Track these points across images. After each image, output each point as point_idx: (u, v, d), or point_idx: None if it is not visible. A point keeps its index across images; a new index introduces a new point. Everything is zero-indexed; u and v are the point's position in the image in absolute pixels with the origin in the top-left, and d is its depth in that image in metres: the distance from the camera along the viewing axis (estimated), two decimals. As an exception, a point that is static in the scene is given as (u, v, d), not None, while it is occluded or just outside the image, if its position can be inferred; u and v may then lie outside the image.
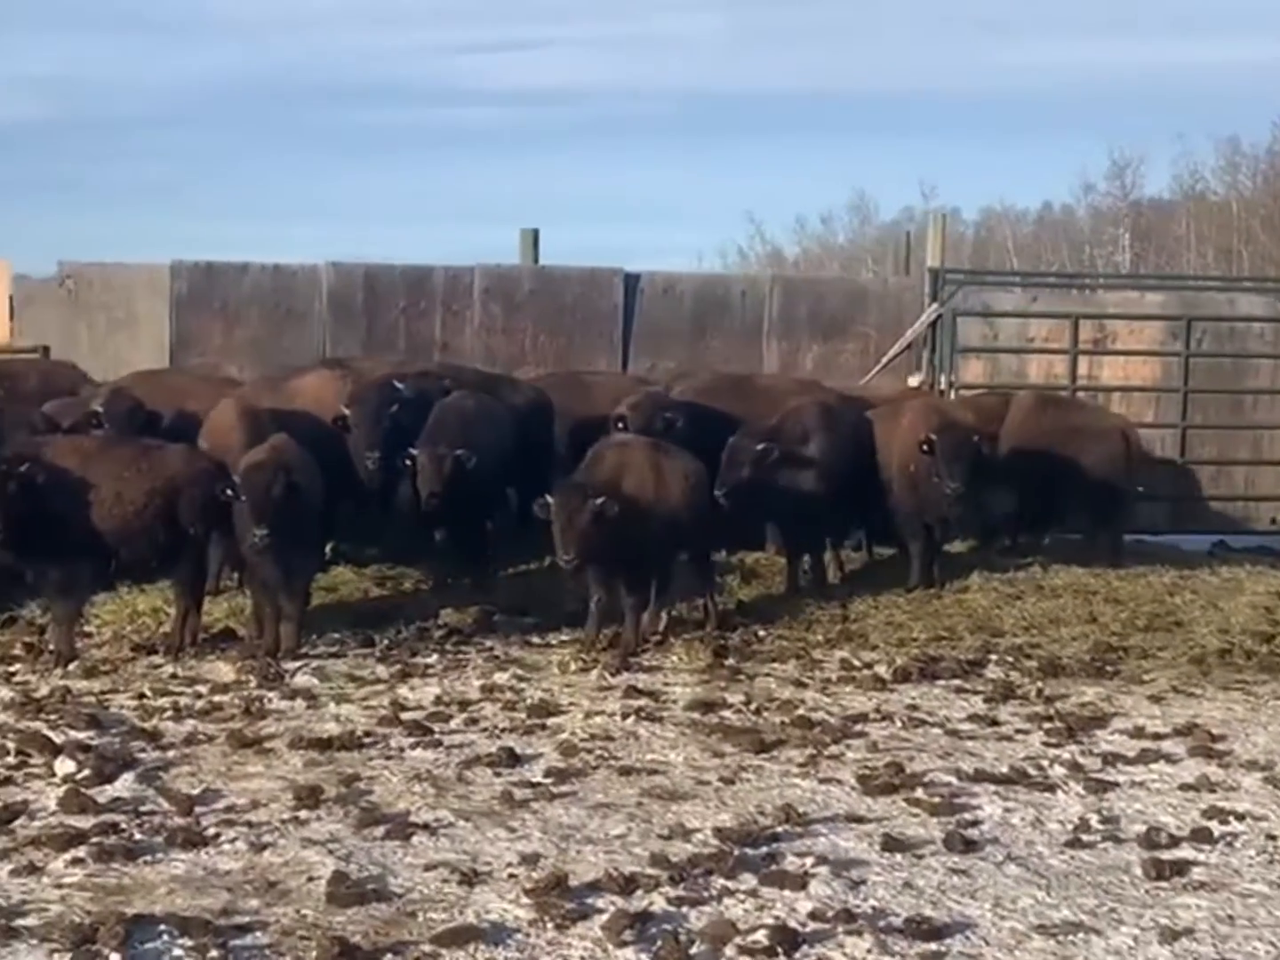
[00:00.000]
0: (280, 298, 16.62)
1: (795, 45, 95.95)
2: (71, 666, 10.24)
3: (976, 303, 17.13)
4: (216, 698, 9.55)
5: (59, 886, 6.56)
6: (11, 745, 8.45)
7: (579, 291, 16.91)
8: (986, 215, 71.66)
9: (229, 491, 10.28)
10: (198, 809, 7.49)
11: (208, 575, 11.08)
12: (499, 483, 12.62)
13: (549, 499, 10.44)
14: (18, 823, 7.32)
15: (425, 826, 7.27)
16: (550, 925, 6.19)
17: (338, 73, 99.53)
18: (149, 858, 6.88)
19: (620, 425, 12.90)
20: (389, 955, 5.92)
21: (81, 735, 8.70)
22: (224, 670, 10.23)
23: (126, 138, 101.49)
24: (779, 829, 7.30)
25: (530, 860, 6.87)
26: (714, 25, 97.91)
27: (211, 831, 7.16)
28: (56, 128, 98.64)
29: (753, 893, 6.55)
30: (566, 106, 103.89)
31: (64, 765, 8.07)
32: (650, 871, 6.71)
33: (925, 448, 12.68)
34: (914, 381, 16.67)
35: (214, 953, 5.87)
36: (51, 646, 10.56)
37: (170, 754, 8.45)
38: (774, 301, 17.04)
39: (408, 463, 11.93)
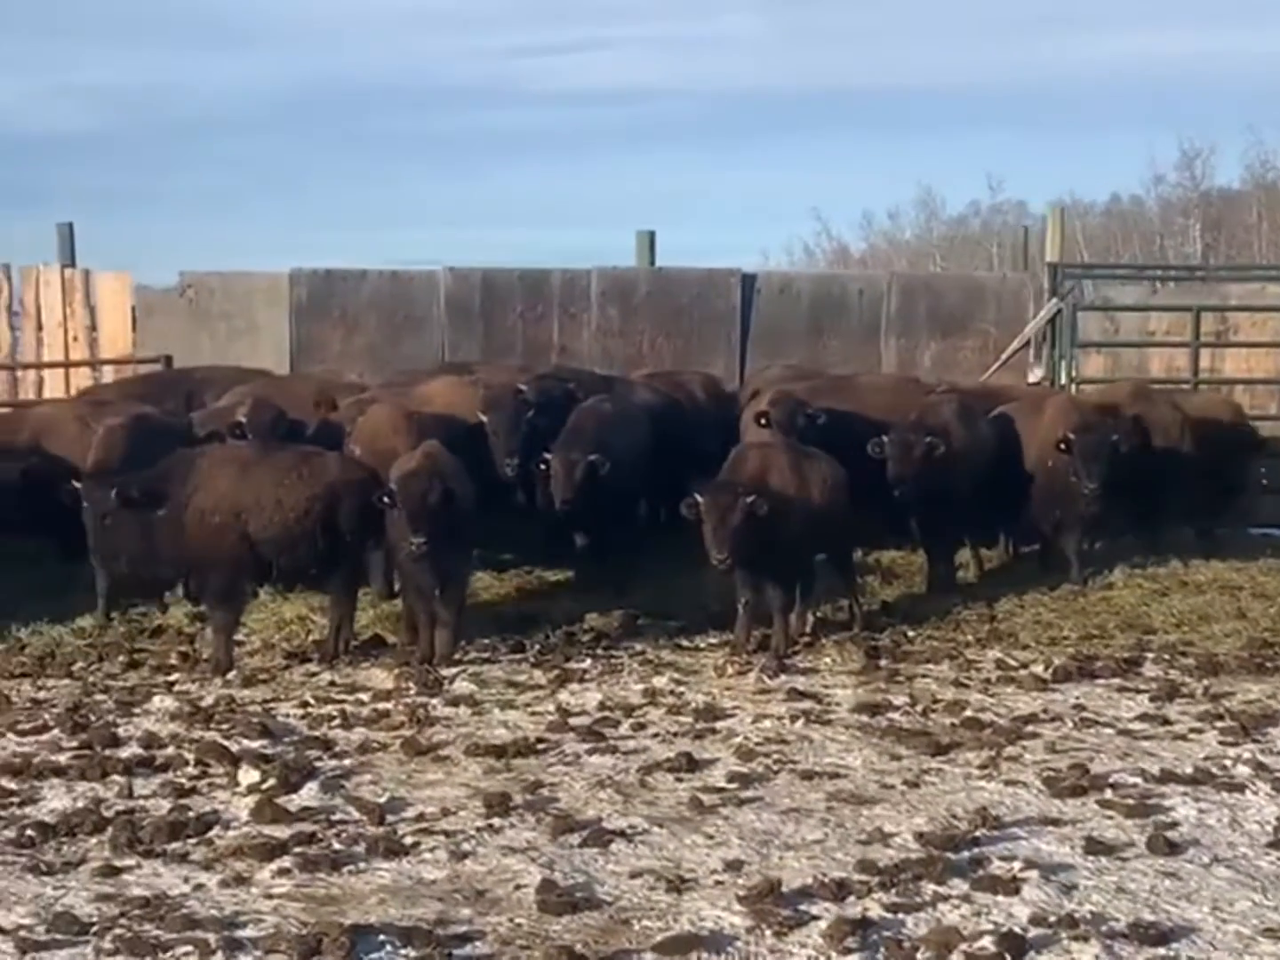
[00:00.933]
0: (399, 304, 16.67)
1: (858, 42, 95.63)
2: (230, 675, 10.27)
3: (1096, 297, 16.97)
4: (380, 705, 9.56)
5: (269, 897, 6.57)
6: (190, 755, 8.48)
7: (696, 293, 16.87)
8: (1054, 207, 71.17)
9: (385, 499, 10.27)
10: (388, 818, 7.48)
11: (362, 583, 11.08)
12: (635, 486, 12.57)
13: (698, 498, 10.40)
14: (213, 832, 7.33)
15: (621, 834, 7.24)
16: (768, 932, 6.15)
17: (397, 77, 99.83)
18: (353, 867, 6.88)
19: (763, 422, 12.84)
20: (613, 964, 5.89)
21: (255, 744, 8.72)
22: (381, 678, 10.24)
23: (191, 146, 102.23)
24: (978, 833, 7.22)
25: (734, 867, 6.83)
26: (772, 24, 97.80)
27: (410, 840, 7.15)
28: (128, 137, 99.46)
29: (966, 898, 6.49)
30: (622, 108, 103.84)
31: (248, 775, 8.09)
32: (859, 877, 6.66)
33: (1063, 446, 12.57)
34: (1033, 378, 16.54)
35: (443, 963, 5.85)
36: (207, 655, 10.59)
37: (347, 762, 8.45)
38: (892, 299, 16.94)
39: (541, 467, 11.90)
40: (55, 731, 9.00)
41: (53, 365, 16.31)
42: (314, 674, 10.37)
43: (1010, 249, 24.46)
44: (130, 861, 6.96)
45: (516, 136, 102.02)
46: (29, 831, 7.32)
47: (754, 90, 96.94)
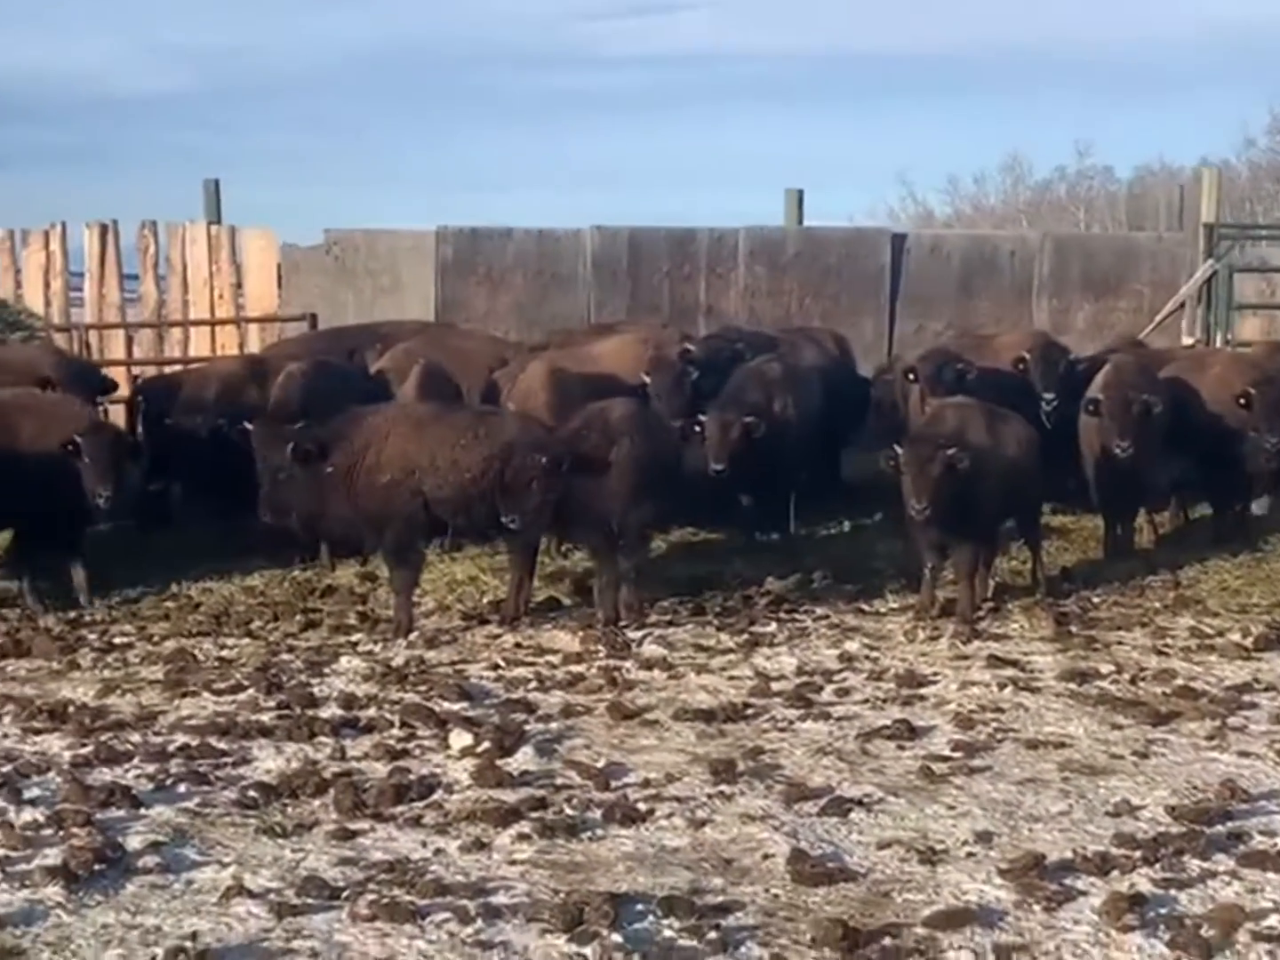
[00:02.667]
0: (545, 262, 16.52)
1: (944, 6, 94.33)
2: (412, 636, 10.15)
3: (1253, 257, 16.60)
4: (573, 668, 9.41)
5: (513, 863, 6.43)
6: (393, 717, 8.35)
7: (844, 252, 16.64)
8: (1141, 172, 70.13)
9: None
10: (613, 783, 7.33)
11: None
12: (802, 446, 12.33)
13: (898, 450, 10.19)
14: (436, 796, 7.20)
15: (859, 803, 7.05)
16: (1037, 907, 5.95)
17: (511, 35, 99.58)
18: (591, 834, 6.73)
19: (910, 378, 12.63)
20: (886, 938, 5.70)
21: (456, 706, 8.59)
22: (565, 640, 10.08)
23: (273, 107, 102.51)
24: (1229, 806, 6.97)
25: (984, 838, 6.63)
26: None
27: (643, 807, 6.98)
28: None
29: (1234, 874, 6.27)
30: (705, 69, 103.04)
31: (460, 738, 7.95)
32: (1119, 851, 6.44)
33: (1243, 401, 12.22)
34: (1188, 340, 16.20)
35: (711, 934, 5.68)
36: (388, 616, 10.48)
37: (554, 726, 8.30)
38: (1044, 260, 16.63)
39: (696, 429, 11.69)
40: (251, 691, 8.90)
41: (198, 323, 16.26)
42: (496, 636, 10.22)
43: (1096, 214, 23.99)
44: (363, 825, 6.83)
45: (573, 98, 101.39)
46: (251, 792, 7.21)
47: (836, 53, 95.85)
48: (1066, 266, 16.61)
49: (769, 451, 11.53)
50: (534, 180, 79.92)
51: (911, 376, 12.71)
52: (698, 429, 11.45)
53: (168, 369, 15.06)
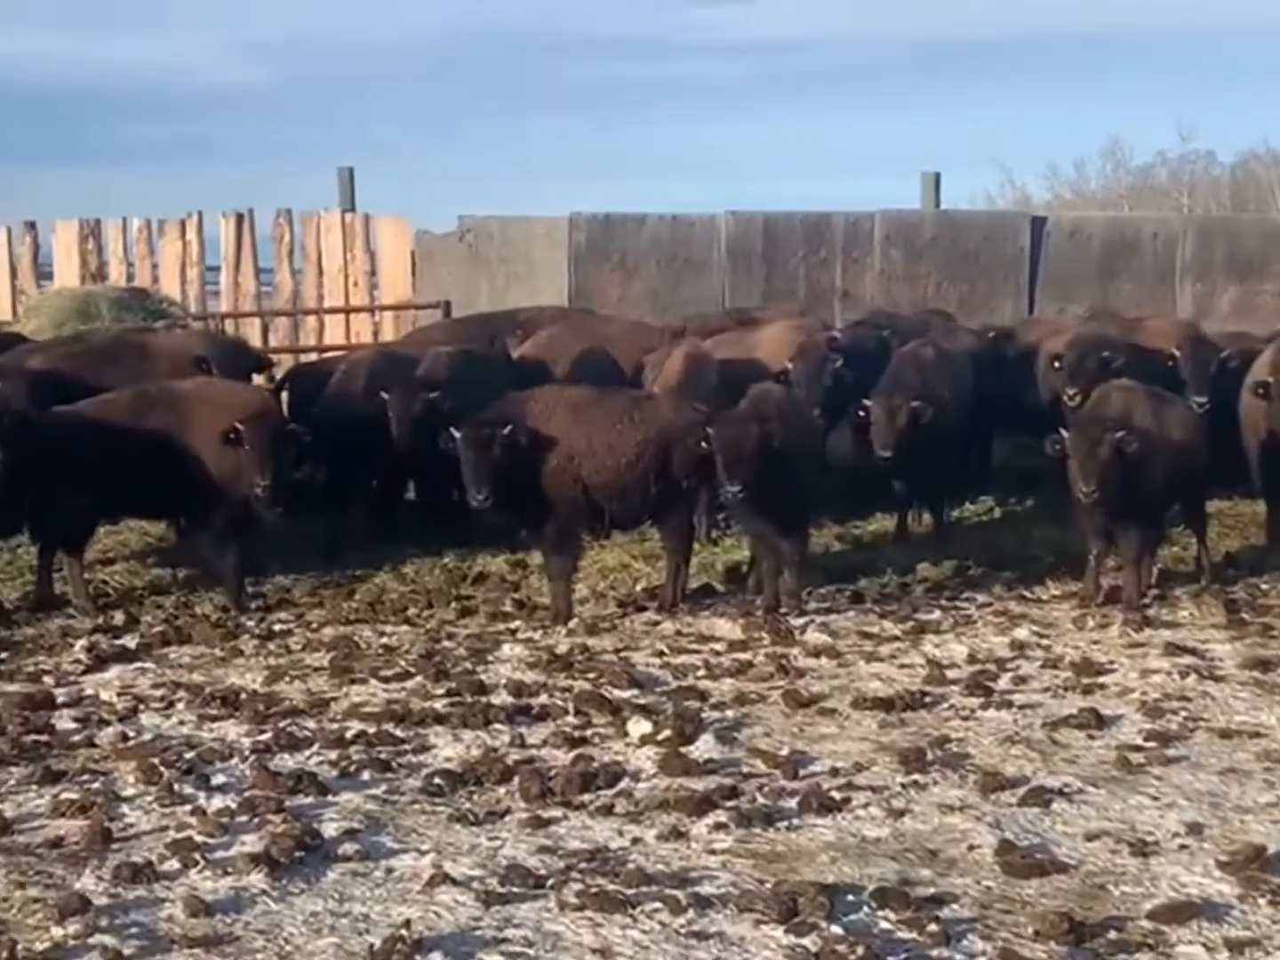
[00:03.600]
0: (678, 248, 16.39)
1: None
2: (572, 624, 10.06)
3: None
4: (739, 655, 9.29)
5: (713, 853, 6.32)
6: (565, 704, 8.26)
7: (983, 236, 16.40)
8: (1245, 157, 68.93)
9: (703, 444, 9.96)
10: (800, 771, 7.20)
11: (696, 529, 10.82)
12: (956, 432, 12.14)
13: (1063, 433, 10.00)
14: (623, 784, 7.10)
15: (1059, 793, 6.88)
16: (1263, 901, 5.78)
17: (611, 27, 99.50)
18: (789, 823, 6.61)
19: (1057, 365, 12.37)
20: (1111, 932, 5.54)
21: (627, 694, 8.48)
22: (726, 627, 9.96)
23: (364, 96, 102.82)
24: None
25: (1194, 830, 6.47)
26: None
27: (837, 796, 6.85)
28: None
29: None
30: (799, 56, 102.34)
31: (639, 726, 7.85)
32: (1339, 844, 6.24)
33: None
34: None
35: (931, 927, 5.54)
36: (546, 603, 10.40)
37: (730, 714, 8.18)
38: (1188, 242, 16.31)
39: (860, 414, 11.51)
40: (419, 678, 8.84)
41: (333, 311, 16.29)
42: (656, 623, 10.12)
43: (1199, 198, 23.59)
44: (555, 813, 6.74)
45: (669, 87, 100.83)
46: (436, 780, 7.14)
47: (934, 39, 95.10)
48: (1210, 249, 16.29)
49: (927, 437, 11.35)
50: (667, 170, 79.66)
51: (1057, 364, 12.46)
52: (861, 414, 11.28)
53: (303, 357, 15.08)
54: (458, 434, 9.89)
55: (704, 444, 9.86)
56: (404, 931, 5.48)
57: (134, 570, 11.57)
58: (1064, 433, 10.05)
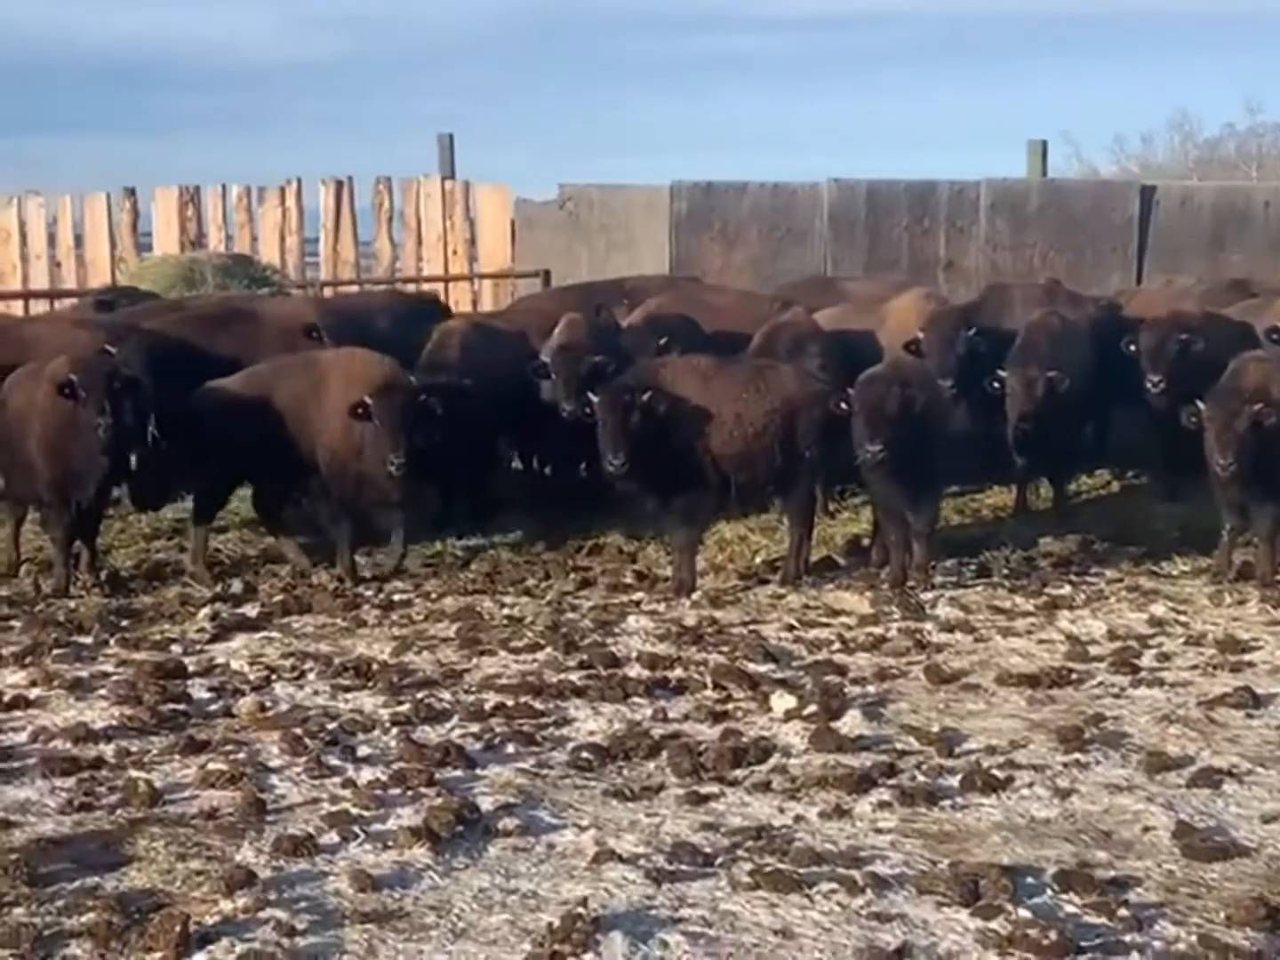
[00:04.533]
0: (780, 217, 16.22)
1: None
2: (695, 596, 9.92)
3: None
4: (869, 630, 9.13)
5: (879, 832, 6.17)
6: (706, 678, 8.12)
7: (1090, 205, 16.16)
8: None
9: (841, 405, 9.80)
10: (956, 749, 7.05)
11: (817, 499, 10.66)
12: (1080, 404, 11.89)
13: (1200, 406, 9.77)
14: (774, 760, 6.95)
15: (1228, 773, 6.69)
16: None
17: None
18: (953, 802, 6.45)
19: (1275, 338, 11.97)
20: (1307, 919, 5.36)
21: (763, 668, 8.34)
22: (853, 600, 9.80)
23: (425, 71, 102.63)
24: None
25: (1376, 815, 6.26)
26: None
27: (999, 775, 6.68)
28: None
29: None
30: (854, 32, 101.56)
31: (783, 700, 7.70)
32: None
33: None
34: None
35: (1122, 911, 5.38)
36: (668, 575, 10.27)
37: (871, 689, 8.03)
38: (1302, 211, 16.00)
39: (995, 385, 11.29)
40: (550, 650, 8.72)
41: (432, 279, 16.19)
42: (780, 596, 9.96)
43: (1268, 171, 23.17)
44: (712, 789, 6.60)
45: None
46: (584, 754, 7.01)
47: (1002, 15, 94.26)
48: (1324, 218, 15.99)
49: (1054, 408, 11.13)
50: (768, 140, 79.10)
51: (1277, 338, 11.95)
52: (997, 385, 11.07)
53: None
54: (595, 399, 9.76)
55: (843, 405, 9.70)
56: (581, 909, 5.35)
57: (247, 539, 11.50)
58: (1200, 405, 9.83)
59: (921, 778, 6.71)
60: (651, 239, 16.14)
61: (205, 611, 9.54)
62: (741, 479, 10.14)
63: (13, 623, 9.44)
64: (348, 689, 8.08)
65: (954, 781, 6.64)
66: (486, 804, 6.38)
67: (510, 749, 7.16)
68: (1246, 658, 8.49)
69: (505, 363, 11.38)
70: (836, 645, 8.83)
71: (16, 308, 15.56)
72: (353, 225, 16.35)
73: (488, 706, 7.71)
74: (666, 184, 16.22)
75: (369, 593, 10.11)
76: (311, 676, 8.30)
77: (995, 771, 6.72)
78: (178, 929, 5.12)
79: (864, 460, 9.72)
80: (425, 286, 16.11)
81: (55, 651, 8.68)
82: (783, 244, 16.17)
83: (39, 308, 15.62)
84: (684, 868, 5.79)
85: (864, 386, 9.72)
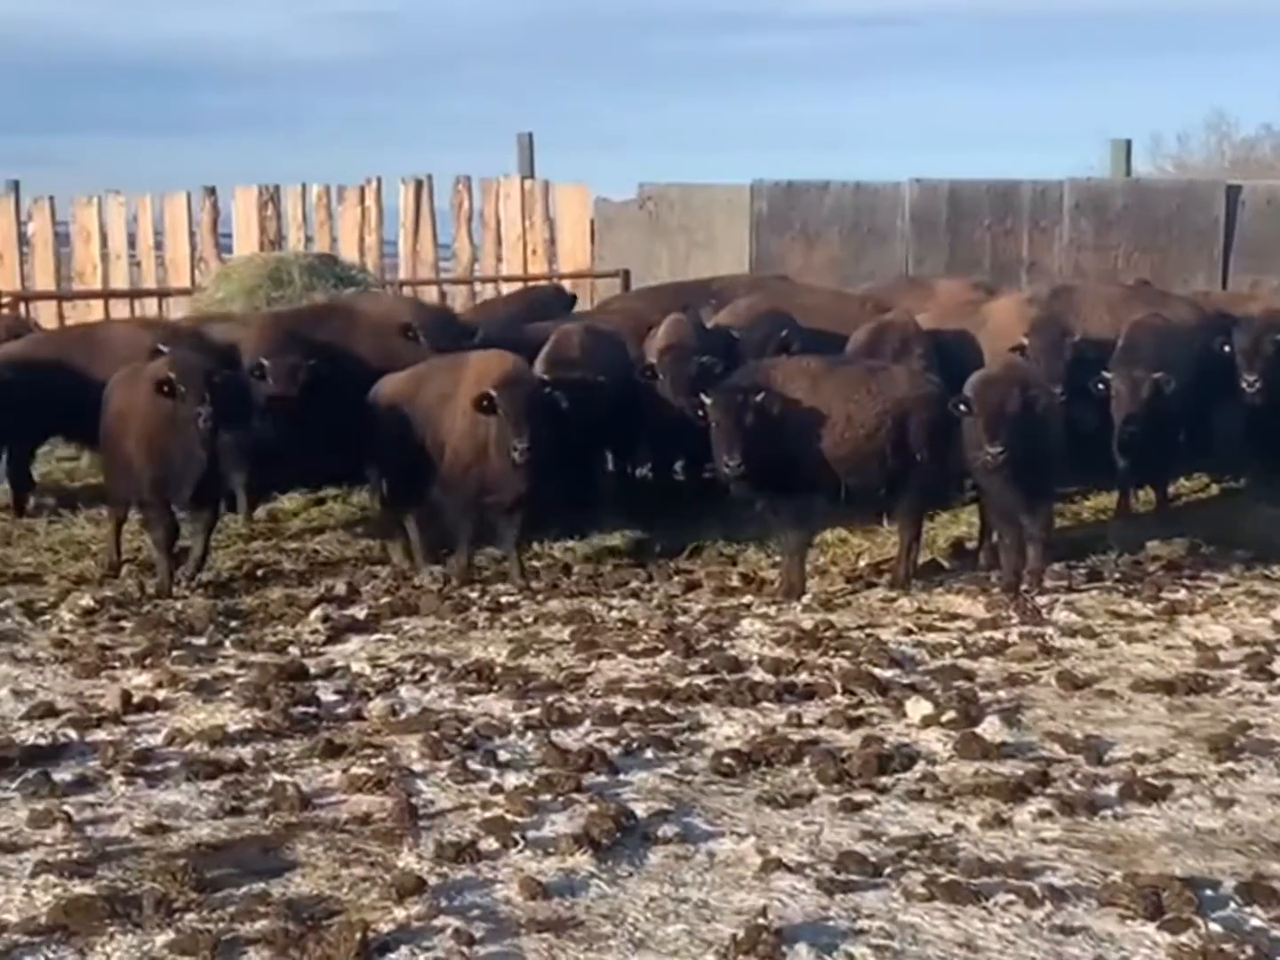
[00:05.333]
0: (861, 216, 16.10)
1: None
2: (806, 599, 9.83)
3: None
4: (990, 634, 9.03)
5: (1043, 842, 6.07)
6: (835, 683, 8.03)
7: (1175, 205, 16.01)
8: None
9: (961, 407, 9.70)
10: (1104, 757, 6.95)
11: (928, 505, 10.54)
12: (1182, 405, 11.75)
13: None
14: (920, 767, 6.86)
15: (1395, 785, 6.58)
16: None
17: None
18: (1113, 812, 6.35)
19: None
20: None
21: (889, 673, 8.25)
22: (966, 604, 9.71)
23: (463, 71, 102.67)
24: None
25: None
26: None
27: (1158, 784, 6.57)
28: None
29: None
30: (901, 29, 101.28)
31: (919, 706, 7.60)
32: None
33: None
34: None
35: (1327, 927, 5.28)
36: (775, 578, 10.18)
37: (1003, 694, 7.93)
38: (1390, 212, 15.83)
39: (1099, 387, 11.16)
40: (669, 654, 8.64)
41: (511, 279, 16.12)
42: (892, 599, 9.87)
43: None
44: (864, 796, 6.51)
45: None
46: (726, 760, 6.92)
47: (1033, 12, 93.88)
48: None
49: (1158, 409, 11.01)
50: (851, 140, 78.58)
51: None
52: (1101, 386, 10.95)
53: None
54: (708, 400, 9.68)
55: (961, 406, 9.60)
56: (762, 920, 5.26)
57: (344, 540, 11.45)
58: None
59: (1077, 786, 6.61)
60: (732, 238, 16.05)
61: (316, 613, 9.48)
62: (853, 481, 10.04)
63: (123, 623, 9.40)
64: (472, 692, 8.00)
65: (1111, 791, 6.54)
66: (640, 810, 6.29)
67: (649, 754, 7.07)
68: (1381, 664, 8.37)
69: (608, 364, 11.29)
70: (959, 650, 8.73)
71: (96, 307, 15.58)
72: (432, 225, 16.29)
73: (618, 710, 7.63)
74: (747, 183, 16.13)
75: (474, 595, 10.04)
76: (434, 679, 8.23)
77: (1152, 780, 6.61)
78: (357, 937, 5.05)
79: (984, 462, 9.60)
80: (504, 286, 16.04)
81: (174, 653, 8.63)
82: (864, 244, 16.06)
83: (119, 308, 15.60)
84: (854, 877, 5.70)
85: (985, 387, 9.62)
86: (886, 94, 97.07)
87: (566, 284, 15.98)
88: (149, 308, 15.99)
